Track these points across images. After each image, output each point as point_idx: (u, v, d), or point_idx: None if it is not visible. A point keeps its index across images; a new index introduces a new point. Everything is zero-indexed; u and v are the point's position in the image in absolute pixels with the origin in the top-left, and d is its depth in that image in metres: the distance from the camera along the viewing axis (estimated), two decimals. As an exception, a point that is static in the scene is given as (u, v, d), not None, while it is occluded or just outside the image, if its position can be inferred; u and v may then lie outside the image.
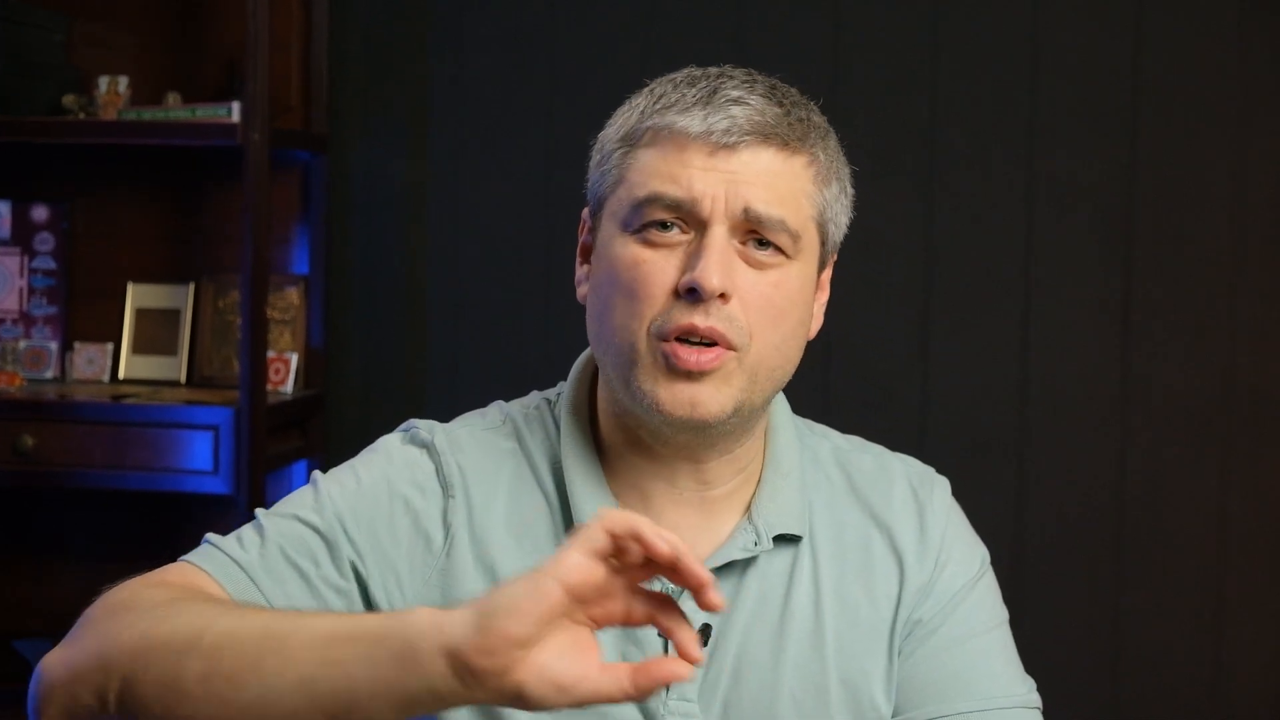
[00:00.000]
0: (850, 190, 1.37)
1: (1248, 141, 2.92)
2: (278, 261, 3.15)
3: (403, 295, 3.14)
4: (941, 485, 1.44)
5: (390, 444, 1.39)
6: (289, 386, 3.08)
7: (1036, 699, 1.39)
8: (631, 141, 1.32)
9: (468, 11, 3.10)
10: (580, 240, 1.38)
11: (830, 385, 3.00)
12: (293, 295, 3.13)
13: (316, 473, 1.38)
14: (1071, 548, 2.97)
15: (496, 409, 1.43)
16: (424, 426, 1.40)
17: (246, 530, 1.34)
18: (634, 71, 1.45)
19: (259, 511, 1.35)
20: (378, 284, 3.15)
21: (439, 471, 1.36)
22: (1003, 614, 1.42)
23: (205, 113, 2.92)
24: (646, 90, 1.35)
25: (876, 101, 3.00)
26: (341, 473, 1.37)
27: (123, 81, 2.99)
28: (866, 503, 1.40)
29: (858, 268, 2.94)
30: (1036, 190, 2.97)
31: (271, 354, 3.07)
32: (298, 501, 1.35)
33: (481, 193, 3.12)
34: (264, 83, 2.83)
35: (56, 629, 3.54)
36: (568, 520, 1.34)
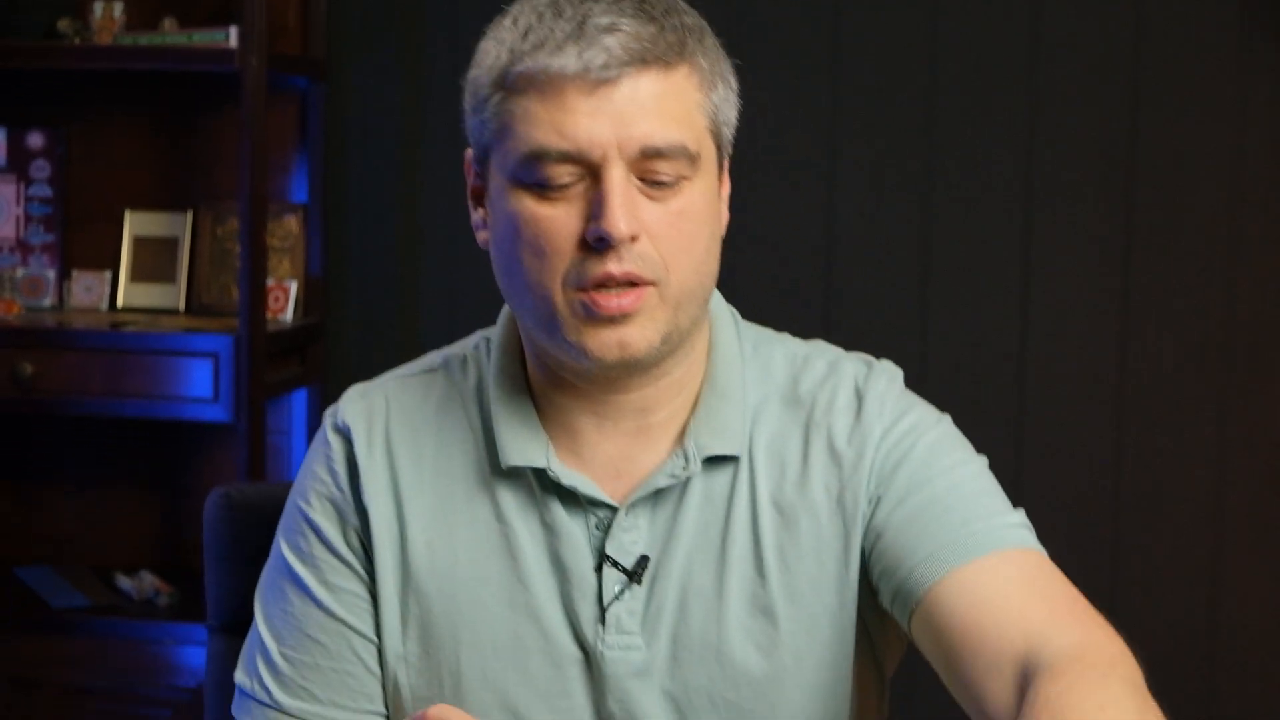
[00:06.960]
0: (734, 83, 1.31)
1: (1245, 127, 2.90)
2: (276, 189, 3.12)
3: (401, 223, 3.13)
4: (886, 373, 1.37)
5: (312, 453, 1.39)
6: (288, 314, 3.07)
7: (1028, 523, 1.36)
8: (506, 86, 1.25)
9: (467, -65, 3.07)
10: (470, 184, 1.34)
11: (832, 314, 2.99)
12: (291, 223, 3.11)
13: (279, 547, 1.38)
14: (1070, 523, 2.96)
15: (435, 353, 1.42)
16: (337, 409, 1.39)
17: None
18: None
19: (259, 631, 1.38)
20: (376, 212, 3.13)
21: (349, 457, 1.36)
22: (979, 458, 1.38)
23: (202, 38, 2.89)
24: (509, 21, 1.27)
25: (875, 84, 2.96)
26: (292, 526, 1.37)
27: (118, 6, 2.96)
28: (810, 408, 1.34)
29: (858, 251, 2.93)
30: (1035, 171, 2.94)
31: (270, 281, 3.05)
32: (293, 611, 1.36)
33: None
34: (261, 6, 2.80)
35: (56, 557, 3.55)
36: (493, 459, 1.33)
